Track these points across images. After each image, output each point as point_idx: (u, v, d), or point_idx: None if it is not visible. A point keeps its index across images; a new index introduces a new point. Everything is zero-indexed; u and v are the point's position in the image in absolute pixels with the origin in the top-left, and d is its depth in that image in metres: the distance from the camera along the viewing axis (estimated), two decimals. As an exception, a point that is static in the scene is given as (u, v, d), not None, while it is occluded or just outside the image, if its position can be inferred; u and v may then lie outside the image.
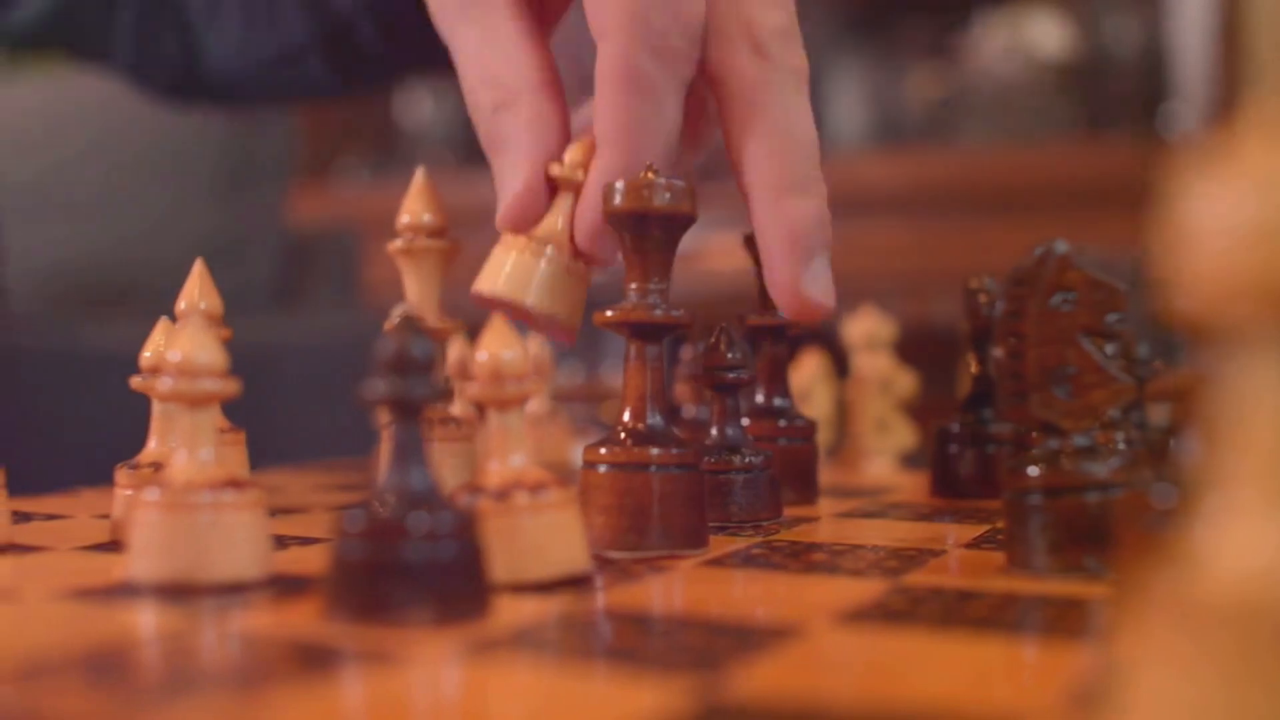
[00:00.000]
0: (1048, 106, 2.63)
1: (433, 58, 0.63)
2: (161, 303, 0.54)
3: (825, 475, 0.64)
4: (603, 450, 0.46)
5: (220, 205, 1.62)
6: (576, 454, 0.77)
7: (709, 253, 2.18)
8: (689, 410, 0.71)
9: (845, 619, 0.34)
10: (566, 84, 0.54)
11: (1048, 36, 2.65)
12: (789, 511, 0.56)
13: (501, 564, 0.37)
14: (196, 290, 0.50)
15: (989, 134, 2.65)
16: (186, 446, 0.39)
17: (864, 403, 0.78)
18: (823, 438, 0.71)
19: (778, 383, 0.60)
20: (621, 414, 0.47)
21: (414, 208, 0.54)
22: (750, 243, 0.59)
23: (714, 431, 0.54)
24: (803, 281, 0.49)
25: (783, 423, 0.59)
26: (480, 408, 0.46)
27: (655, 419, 0.46)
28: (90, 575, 0.41)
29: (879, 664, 0.30)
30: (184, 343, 0.39)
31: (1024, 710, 0.26)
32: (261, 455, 0.56)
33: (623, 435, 0.46)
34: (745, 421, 0.59)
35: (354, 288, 1.76)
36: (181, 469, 0.39)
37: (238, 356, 0.40)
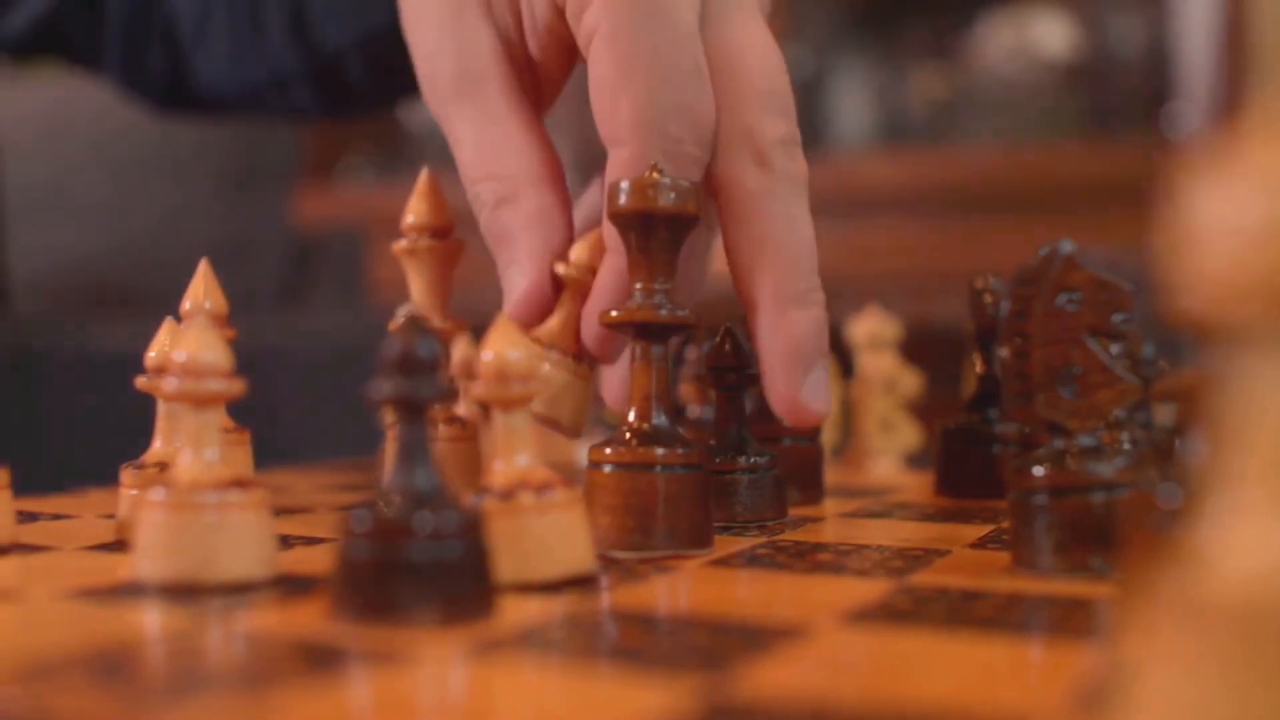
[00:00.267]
0: (1052, 107, 2.63)
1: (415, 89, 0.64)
2: (166, 303, 0.54)
3: (830, 475, 0.64)
4: (608, 450, 0.46)
5: (226, 206, 1.62)
6: (581, 454, 0.77)
7: (714, 254, 2.18)
8: (694, 410, 0.71)
9: (851, 619, 0.34)
10: (565, 164, 0.54)
11: (1052, 36, 2.65)
12: (794, 511, 0.56)
13: (507, 564, 0.37)
14: (201, 290, 0.50)
15: (993, 134, 2.65)
16: (192, 446, 0.39)
17: (868, 403, 0.78)
18: (827, 438, 0.71)
19: (783, 383, 0.60)
20: (627, 414, 0.47)
21: (419, 208, 0.54)
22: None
23: (718, 432, 0.54)
24: (801, 394, 0.49)
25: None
26: (485, 407, 0.46)
27: (661, 419, 0.46)
28: (96, 575, 0.41)
29: (885, 664, 0.30)
30: (189, 343, 0.39)
31: (1030, 710, 0.26)
32: (266, 455, 0.56)
33: (628, 435, 0.46)
34: (750, 421, 0.59)
35: (359, 288, 1.76)
36: (187, 469, 0.39)
37: (242, 356, 0.40)
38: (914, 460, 0.77)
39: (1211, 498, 0.19)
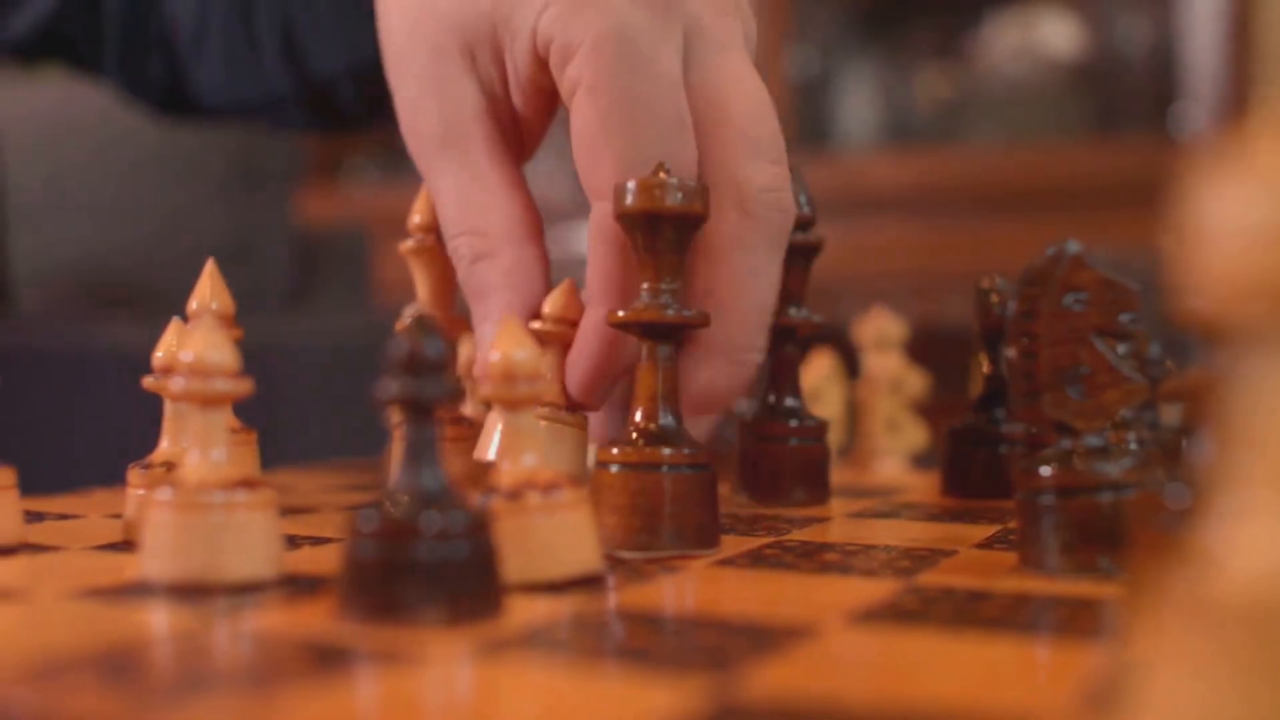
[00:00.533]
0: (1058, 107, 2.63)
1: None
2: (171, 303, 0.54)
3: (836, 475, 0.64)
4: (615, 450, 0.46)
5: (230, 206, 1.62)
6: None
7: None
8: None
9: (858, 619, 0.34)
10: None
11: (1058, 36, 2.65)
12: (800, 512, 0.56)
13: (514, 564, 0.37)
14: (208, 290, 0.50)
15: (999, 134, 2.65)
16: (199, 446, 0.39)
17: (875, 403, 0.78)
18: (833, 438, 0.71)
19: (788, 383, 0.60)
20: (633, 414, 0.47)
21: (425, 208, 0.54)
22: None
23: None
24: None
25: (793, 423, 0.59)
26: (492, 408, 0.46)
27: (667, 419, 0.46)
28: (103, 575, 0.41)
29: (891, 664, 0.30)
30: (196, 343, 0.39)
31: (1036, 710, 0.26)
32: (272, 455, 0.56)
33: (635, 435, 0.46)
34: (757, 421, 0.59)
35: (364, 288, 1.76)
36: (194, 469, 0.39)
37: (247, 357, 0.40)
38: (920, 460, 0.77)
39: (1219, 498, 0.19)
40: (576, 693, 0.28)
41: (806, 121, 2.66)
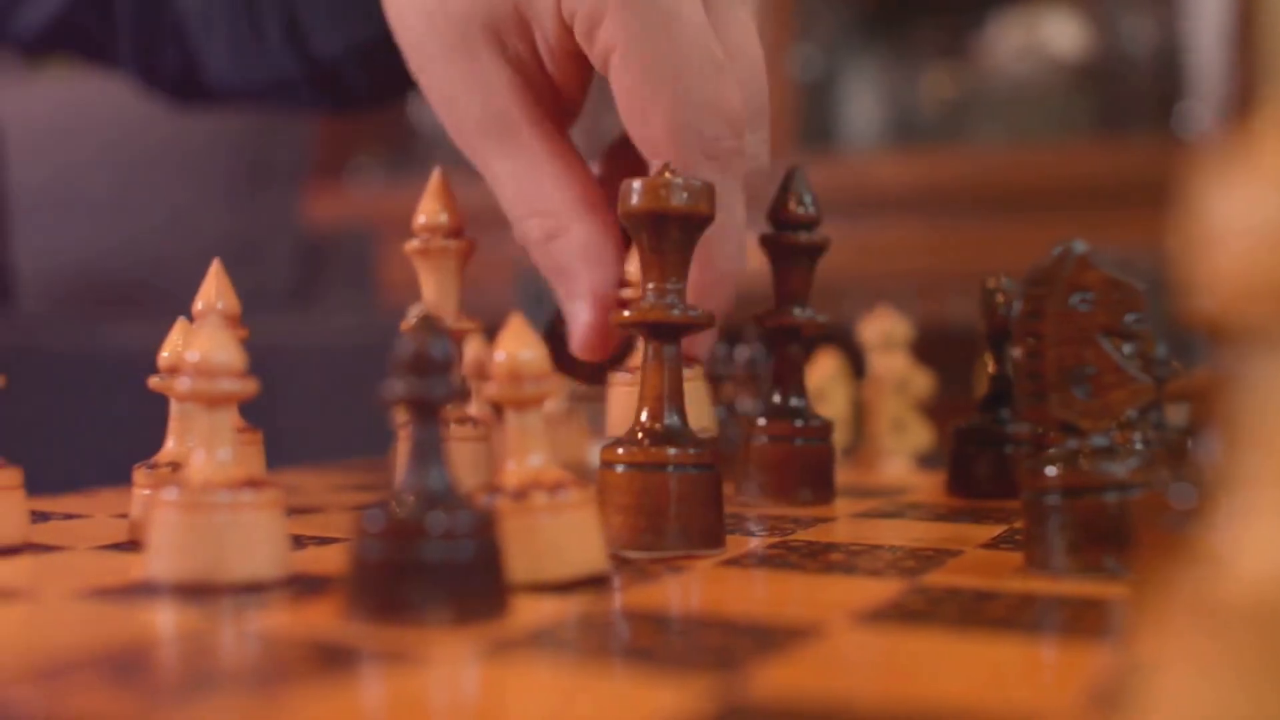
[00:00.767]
0: (1063, 106, 2.63)
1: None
2: (175, 303, 0.54)
3: (842, 475, 0.64)
4: (620, 450, 0.46)
5: (235, 205, 1.62)
6: (593, 454, 0.77)
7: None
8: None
9: (863, 619, 0.34)
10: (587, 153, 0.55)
11: (1063, 36, 2.65)
12: (806, 512, 0.56)
13: (520, 564, 0.37)
14: (214, 290, 0.50)
15: (1004, 134, 2.65)
16: (204, 446, 0.39)
17: (880, 403, 0.78)
18: (839, 438, 0.71)
19: (794, 383, 0.60)
20: (639, 414, 0.47)
21: (430, 208, 0.54)
22: (766, 243, 0.59)
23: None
24: (697, 344, 0.53)
25: (799, 423, 0.59)
26: (498, 408, 0.46)
27: (673, 419, 0.46)
28: (109, 575, 0.41)
29: (897, 664, 0.30)
30: (202, 342, 0.39)
31: (1043, 711, 0.26)
32: (277, 455, 0.56)
33: (640, 435, 0.46)
34: (762, 421, 0.59)
35: (369, 288, 1.76)
36: (200, 469, 0.39)
37: (252, 356, 0.40)
38: (925, 460, 0.77)
39: (1225, 498, 0.19)
40: (582, 693, 0.28)
41: (811, 121, 2.66)
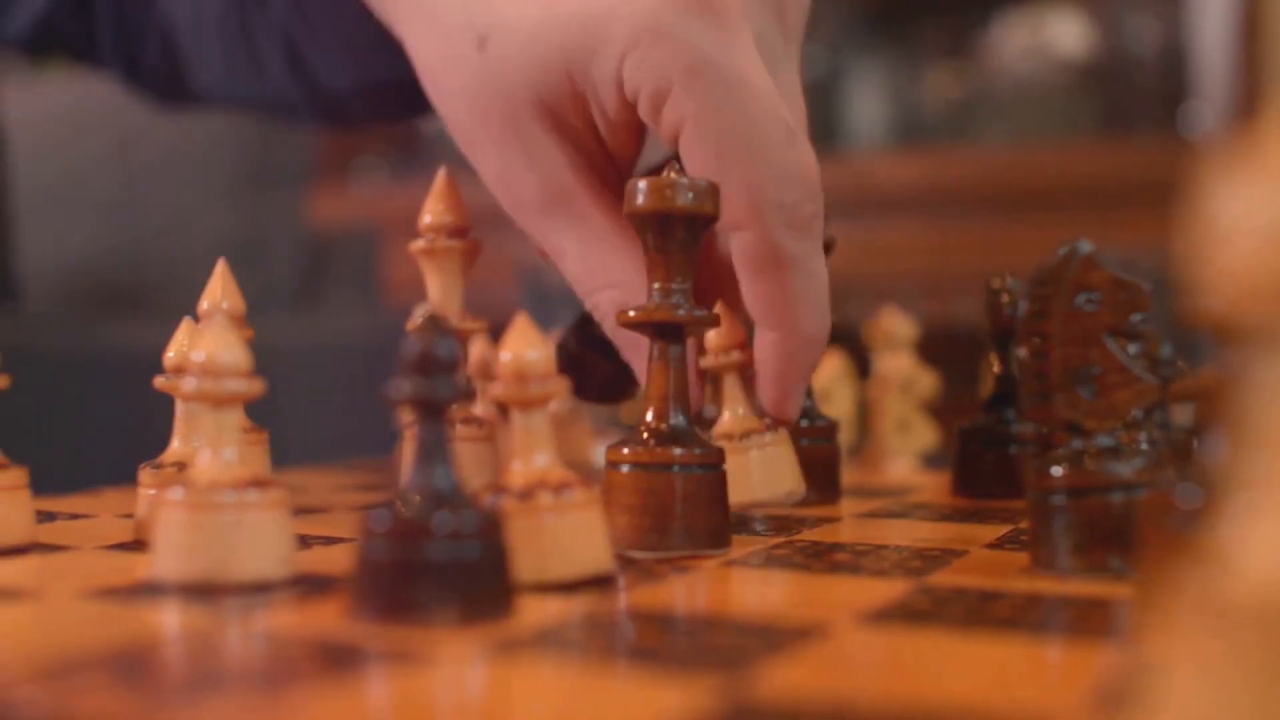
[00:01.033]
0: (1068, 106, 2.63)
1: (417, 112, 0.63)
2: (179, 303, 0.54)
3: (847, 475, 0.64)
4: (625, 450, 0.46)
5: (239, 206, 1.62)
6: (598, 455, 0.77)
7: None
8: (710, 410, 0.71)
9: (869, 619, 0.34)
10: None
11: (1068, 36, 2.65)
12: (811, 512, 0.56)
13: (525, 564, 0.37)
14: (219, 290, 0.50)
15: (1009, 133, 2.65)
16: (210, 446, 0.39)
17: (885, 403, 0.78)
18: (844, 438, 0.71)
19: (799, 383, 0.60)
20: (644, 414, 0.47)
21: (436, 208, 0.54)
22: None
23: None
24: (788, 405, 0.52)
25: (804, 423, 0.59)
26: (503, 407, 0.46)
27: (678, 419, 0.46)
28: (114, 574, 0.41)
29: (903, 664, 0.30)
30: (208, 342, 0.39)
31: (1049, 711, 0.26)
32: (283, 455, 0.56)
33: (645, 435, 0.46)
34: (767, 421, 0.59)
35: (374, 288, 1.76)
36: (205, 469, 0.39)
37: (257, 357, 0.40)
38: (931, 460, 0.77)
39: (1231, 498, 0.19)
40: (588, 693, 0.28)
41: (815, 121, 2.65)
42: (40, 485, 0.50)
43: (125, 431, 1.01)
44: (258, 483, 0.39)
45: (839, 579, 0.41)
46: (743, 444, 0.51)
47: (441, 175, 0.55)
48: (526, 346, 0.39)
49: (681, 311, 0.46)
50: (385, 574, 0.34)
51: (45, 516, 0.54)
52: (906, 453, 0.78)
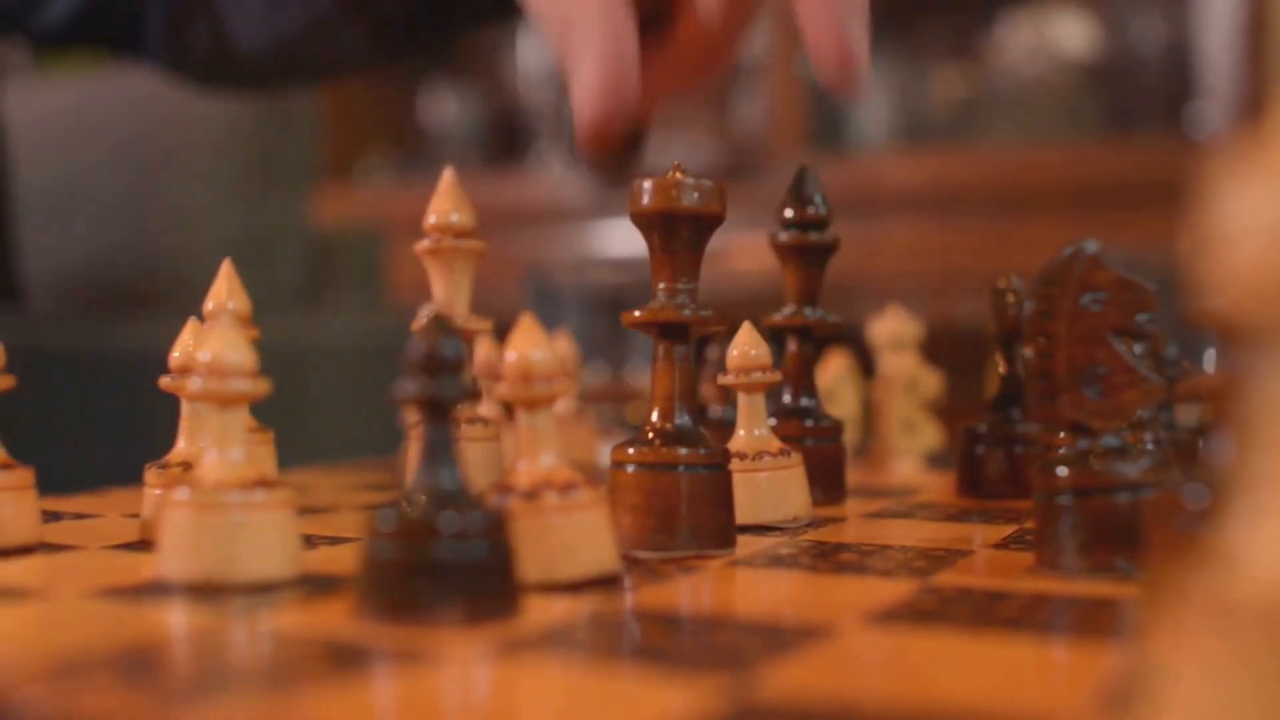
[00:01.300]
0: (1073, 106, 2.63)
1: (459, 22, 0.63)
2: (184, 303, 0.54)
3: (852, 475, 0.64)
4: (631, 450, 0.46)
5: (244, 206, 1.62)
6: (603, 455, 0.77)
7: (734, 253, 2.18)
8: (715, 411, 0.71)
9: (875, 619, 0.34)
10: None
11: (1073, 35, 2.64)
12: (817, 512, 0.56)
13: (531, 564, 0.37)
14: (225, 290, 0.51)
15: (1014, 133, 2.65)
16: (216, 446, 0.39)
17: (890, 403, 0.78)
18: (849, 438, 0.71)
19: (804, 383, 0.60)
20: (650, 414, 0.47)
21: (442, 207, 0.54)
22: (776, 243, 0.59)
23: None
24: (849, 48, 0.51)
25: (809, 423, 0.59)
26: (509, 408, 0.46)
27: (684, 419, 0.46)
28: (121, 574, 0.41)
29: (909, 664, 0.30)
30: (214, 343, 0.39)
31: (1055, 711, 0.26)
32: (288, 455, 0.56)
33: (651, 435, 0.46)
34: (773, 422, 0.59)
35: (379, 288, 1.76)
36: (211, 468, 0.39)
37: (263, 357, 0.40)
38: (936, 460, 0.77)
39: (1237, 499, 0.19)
40: (594, 692, 0.28)
41: (820, 121, 2.66)
42: (46, 485, 0.50)
43: (131, 431, 1.01)
44: (264, 483, 0.39)
45: (844, 579, 0.41)
46: (754, 464, 0.51)
47: (447, 175, 0.55)
48: (532, 347, 0.39)
49: (687, 312, 0.46)
50: (391, 574, 0.34)
51: (51, 516, 0.54)
52: (911, 453, 0.77)
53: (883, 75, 2.81)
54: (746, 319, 0.54)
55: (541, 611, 0.35)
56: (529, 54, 2.89)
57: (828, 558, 0.45)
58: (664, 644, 0.32)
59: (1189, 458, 0.51)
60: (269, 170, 1.65)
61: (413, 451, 0.38)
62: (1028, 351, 0.41)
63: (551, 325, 0.52)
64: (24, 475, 0.47)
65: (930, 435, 0.78)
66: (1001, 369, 0.63)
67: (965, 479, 0.63)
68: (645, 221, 0.46)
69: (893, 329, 0.79)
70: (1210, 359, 0.65)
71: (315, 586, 0.39)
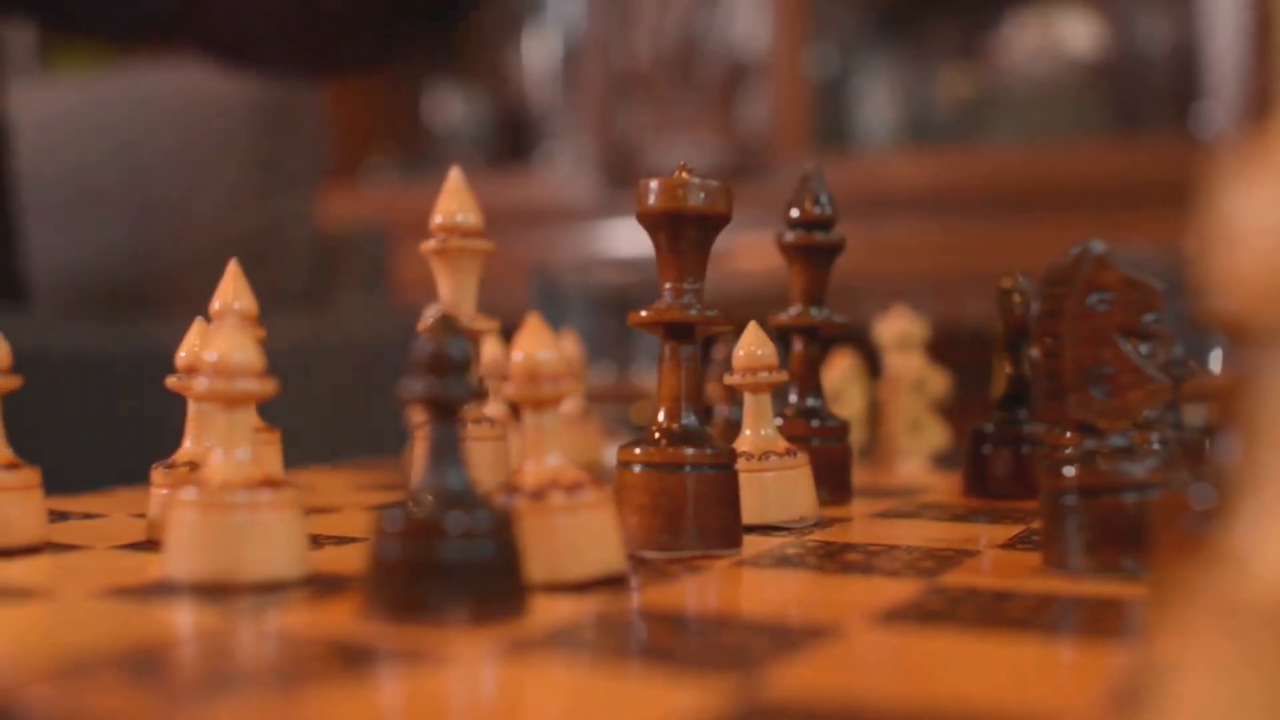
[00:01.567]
0: (1079, 106, 2.62)
1: None
2: (190, 303, 0.54)
3: (858, 475, 0.64)
4: (638, 450, 0.46)
5: (250, 206, 1.62)
6: (608, 455, 0.77)
7: (740, 253, 2.18)
8: (721, 410, 0.71)
9: (882, 619, 0.34)
10: None
11: (1078, 35, 2.64)
12: (823, 512, 0.56)
13: (538, 564, 0.37)
14: (231, 291, 0.51)
15: (1020, 133, 2.64)
16: (223, 446, 0.39)
17: (896, 403, 0.78)
18: (855, 438, 0.71)
19: (810, 383, 0.60)
20: (656, 414, 0.47)
21: (448, 207, 0.54)
22: (782, 243, 0.59)
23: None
24: None
25: (815, 423, 0.59)
26: (515, 408, 0.46)
27: (690, 419, 0.46)
28: (127, 574, 0.42)
29: (916, 664, 0.30)
30: (220, 343, 0.39)
31: (1062, 710, 0.26)
32: (294, 455, 0.56)
33: (657, 435, 0.46)
34: (779, 422, 0.59)
35: (385, 288, 1.76)
36: (218, 468, 0.39)
37: (269, 357, 0.41)
38: (942, 460, 0.77)
39: (1244, 499, 0.19)
40: (600, 692, 0.28)
41: (826, 121, 2.66)
42: (52, 485, 0.50)
43: (137, 431, 1.01)
44: (270, 482, 0.39)
45: (851, 579, 0.41)
46: (760, 464, 0.51)
47: (454, 175, 0.55)
48: (539, 347, 0.39)
49: (693, 311, 0.46)
50: (398, 574, 0.34)
51: (58, 516, 0.54)
52: (918, 453, 0.77)
53: (889, 75, 2.81)
54: (752, 319, 0.54)
55: (548, 611, 0.35)
56: (534, 53, 2.89)
57: (834, 558, 0.45)
58: (670, 644, 0.32)
59: (1195, 458, 0.51)
60: (275, 170, 1.65)
61: (419, 451, 0.38)
62: (1034, 352, 0.41)
63: (557, 325, 0.52)
64: (30, 475, 0.47)
65: (936, 435, 0.78)
66: (1008, 369, 0.63)
67: (972, 479, 0.63)
68: (651, 221, 0.46)
69: (899, 329, 0.79)
70: (1217, 359, 0.65)
71: (322, 586, 0.39)
